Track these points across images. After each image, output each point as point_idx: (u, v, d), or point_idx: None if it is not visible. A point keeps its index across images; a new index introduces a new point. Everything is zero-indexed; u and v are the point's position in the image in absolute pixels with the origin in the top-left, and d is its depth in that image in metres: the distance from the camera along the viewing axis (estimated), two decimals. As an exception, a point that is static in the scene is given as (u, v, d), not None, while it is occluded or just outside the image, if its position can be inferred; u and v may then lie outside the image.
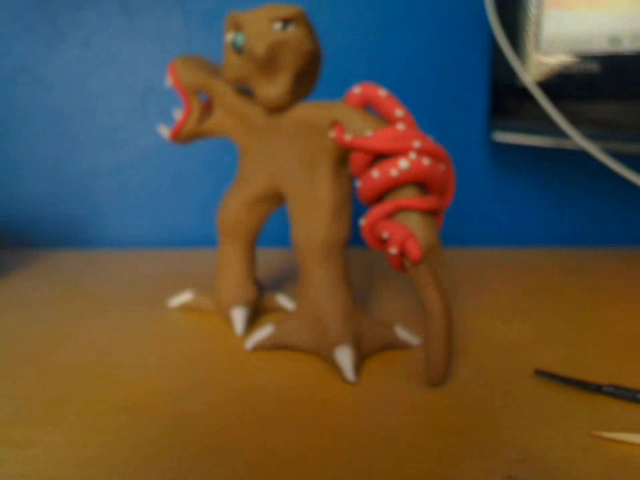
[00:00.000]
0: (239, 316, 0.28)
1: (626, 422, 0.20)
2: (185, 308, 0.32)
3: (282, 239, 0.50)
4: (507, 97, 0.38)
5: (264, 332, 0.26)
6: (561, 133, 0.34)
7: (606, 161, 0.31)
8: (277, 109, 0.25)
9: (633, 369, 0.24)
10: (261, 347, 0.26)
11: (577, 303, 0.32)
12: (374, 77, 0.46)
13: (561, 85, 0.34)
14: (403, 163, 0.20)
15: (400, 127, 0.21)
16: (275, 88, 0.24)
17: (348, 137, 0.22)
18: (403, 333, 0.26)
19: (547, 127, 0.35)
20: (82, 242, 0.49)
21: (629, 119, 0.32)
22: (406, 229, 0.20)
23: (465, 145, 0.48)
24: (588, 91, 0.33)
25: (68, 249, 0.48)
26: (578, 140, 0.31)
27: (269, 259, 0.43)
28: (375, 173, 0.21)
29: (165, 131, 0.29)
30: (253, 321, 0.30)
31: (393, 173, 0.21)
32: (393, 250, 0.21)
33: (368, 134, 0.21)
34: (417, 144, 0.21)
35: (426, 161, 0.21)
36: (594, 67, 0.32)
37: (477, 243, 0.50)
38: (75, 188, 0.48)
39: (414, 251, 0.20)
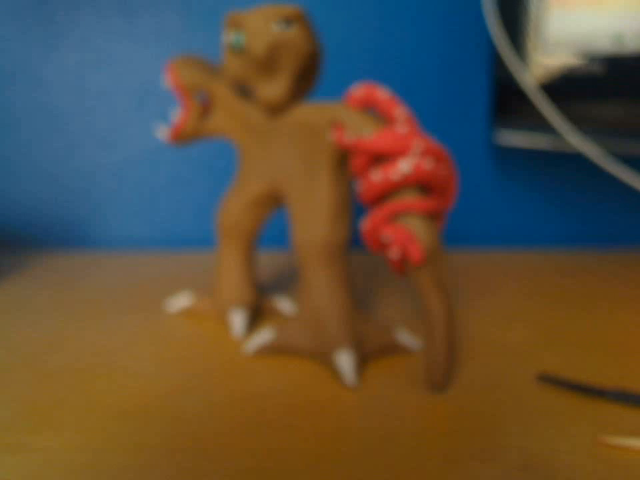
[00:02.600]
0: (237, 319, 0.27)
1: (631, 427, 0.20)
2: (183, 310, 0.31)
3: (283, 240, 0.49)
4: (508, 99, 0.37)
5: (264, 335, 0.25)
6: (561, 133, 0.34)
7: (603, 164, 0.30)
8: (276, 110, 0.25)
9: (637, 373, 0.24)
10: (260, 351, 0.26)
11: (580, 306, 0.32)
12: (375, 77, 0.46)
13: (563, 85, 0.34)
14: (404, 165, 0.20)
15: (401, 128, 0.21)
16: (274, 88, 0.24)
17: (348, 138, 0.22)
18: (404, 337, 0.25)
19: (549, 128, 0.35)
20: (79, 243, 0.49)
21: (632, 119, 0.32)
22: (407, 231, 0.20)
23: (467, 147, 0.47)
24: (591, 90, 0.33)
25: (65, 250, 0.47)
26: (576, 142, 0.31)
27: (270, 260, 0.43)
28: (376, 175, 0.21)
29: (163, 132, 0.29)
30: (253, 323, 0.30)
31: (394, 174, 0.20)
32: (394, 253, 0.20)
33: (368, 135, 0.21)
34: (417, 145, 0.20)
35: (427, 163, 0.21)
36: (597, 66, 0.32)
37: (478, 245, 0.49)
38: (73, 189, 0.48)
39: (415, 254, 0.20)
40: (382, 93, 0.22)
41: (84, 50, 0.45)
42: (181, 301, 0.31)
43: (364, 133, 0.21)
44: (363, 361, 0.24)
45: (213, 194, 0.48)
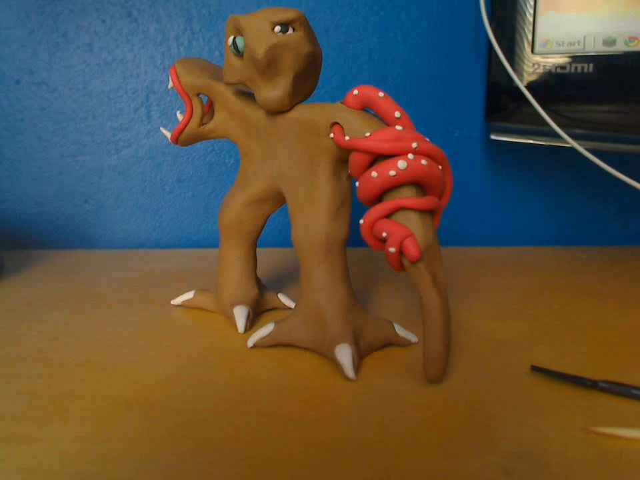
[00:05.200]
0: (240, 314, 0.28)
1: (621, 417, 0.20)
2: (187, 307, 0.32)
3: (284, 240, 0.50)
4: (503, 98, 0.38)
5: (265, 330, 0.26)
6: (555, 132, 0.35)
7: (595, 160, 0.31)
8: (277, 111, 0.25)
9: (627, 365, 0.24)
10: (262, 345, 0.26)
11: (572, 301, 0.33)
12: (373, 79, 0.47)
13: (555, 86, 0.34)
14: (401, 164, 0.21)
15: (398, 128, 0.22)
16: (275, 90, 0.24)
17: (347, 138, 0.22)
18: (402, 331, 0.26)
19: (542, 126, 0.35)
20: (84, 243, 0.49)
21: (622, 118, 0.32)
22: (404, 228, 0.21)
23: (463, 145, 0.48)
24: (582, 91, 0.33)
25: (71, 249, 0.48)
26: (569, 140, 0.32)
27: (271, 258, 0.43)
28: (374, 174, 0.21)
29: (167, 134, 0.29)
30: (255, 319, 0.30)
31: (392, 173, 0.21)
32: (392, 249, 0.21)
33: (366, 135, 0.22)
34: (414, 145, 0.21)
35: (424, 162, 0.21)
36: (588, 67, 0.33)
37: (474, 243, 0.50)
38: (78, 189, 0.49)
39: (412, 249, 0.20)
40: (380, 94, 0.22)
41: (89, 53, 0.46)
42: (184, 297, 0.31)
43: (362, 133, 0.22)
44: (362, 354, 0.25)
45: (217, 193, 0.49)
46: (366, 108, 0.23)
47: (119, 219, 0.49)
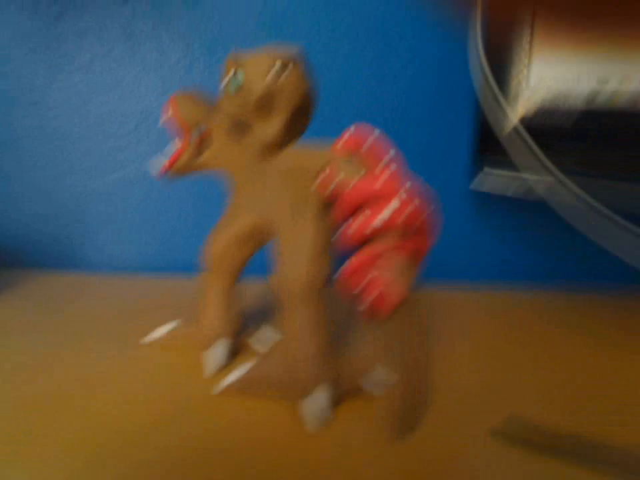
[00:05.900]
0: (216, 352, 0.28)
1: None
2: (165, 340, 0.31)
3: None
4: (491, 145, 0.38)
5: (237, 373, 0.26)
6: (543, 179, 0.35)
7: (585, 210, 0.31)
8: (271, 148, 0.25)
9: (597, 417, 0.24)
10: (232, 391, 0.26)
11: (552, 346, 0.32)
12: (367, 113, 0.47)
13: (547, 131, 0.35)
14: (386, 212, 0.21)
15: (385, 175, 0.22)
16: (270, 127, 0.25)
17: (332, 187, 0.22)
18: (376, 378, 0.25)
19: (534, 172, 0.35)
20: (72, 263, 0.49)
21: (618, 162, 0.32)
22: (386, 275, 0.21)
23: (448, 191, 0.48)
24: (575, 135, 0.33)
25: (57, 270, 0.48)
26: (573, 187, 0.32)
27: (255, 290, 0.43)
28: (358, 221, 0.21)
29: (158, 164, 0.29)
30: (235, 353, 0.30)
31: (377, 221, 0.21)
32: (371, 296, 0.21)
33: (352, 184, 0.22)
34: (400, 194, 0.21)
35: (409, 208, 0.21)
36: (577, 114, 0.33)
37: (455, 284, 0.50)
38: (69, 209, 0.48)
39: (390, 298, 0.20)
40: (370, 139, 0.23)
41: (88, 74, 0.46)
42: (164, 330, 0.31)
43: (348, 181, 0.22)
44: (334, 403, 0.24)
45: (205, 220, 0.49)
46: (356, 153, 0.23)
47: (108, 242, 0.49)
